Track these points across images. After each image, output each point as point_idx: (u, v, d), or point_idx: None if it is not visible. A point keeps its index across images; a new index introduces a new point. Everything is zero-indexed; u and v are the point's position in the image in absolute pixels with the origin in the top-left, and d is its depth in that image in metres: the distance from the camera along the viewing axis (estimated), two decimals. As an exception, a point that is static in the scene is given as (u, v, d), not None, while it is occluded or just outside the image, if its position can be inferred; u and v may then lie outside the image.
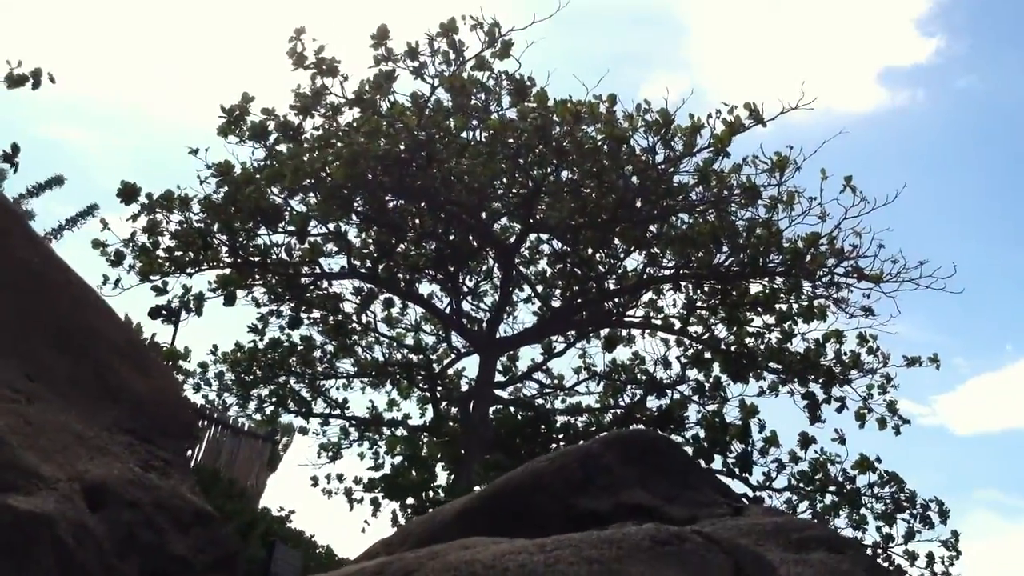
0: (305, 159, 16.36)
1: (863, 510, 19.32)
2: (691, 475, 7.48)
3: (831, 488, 19.36)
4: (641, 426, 19.87)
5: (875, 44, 54.36)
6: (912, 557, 19.22)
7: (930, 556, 19.23)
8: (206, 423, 19.36)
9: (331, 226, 17.97)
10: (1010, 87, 56.04)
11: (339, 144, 16.41)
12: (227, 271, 17.72)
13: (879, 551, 19.18)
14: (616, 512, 6.61)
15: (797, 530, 6.40)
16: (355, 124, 16.74)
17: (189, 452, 18.29)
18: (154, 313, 17.52)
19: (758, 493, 19.33)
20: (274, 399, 20.57)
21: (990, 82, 56.05)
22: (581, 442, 9.33)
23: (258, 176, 16.69)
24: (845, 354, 18.72)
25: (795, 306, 18.62)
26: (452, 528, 6.48)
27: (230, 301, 17.84)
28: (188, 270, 17.28)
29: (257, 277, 18.38)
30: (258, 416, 20.66)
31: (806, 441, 19.25)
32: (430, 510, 10.50)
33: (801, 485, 19.48)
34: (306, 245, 17.83)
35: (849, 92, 51.45)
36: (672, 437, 19.75)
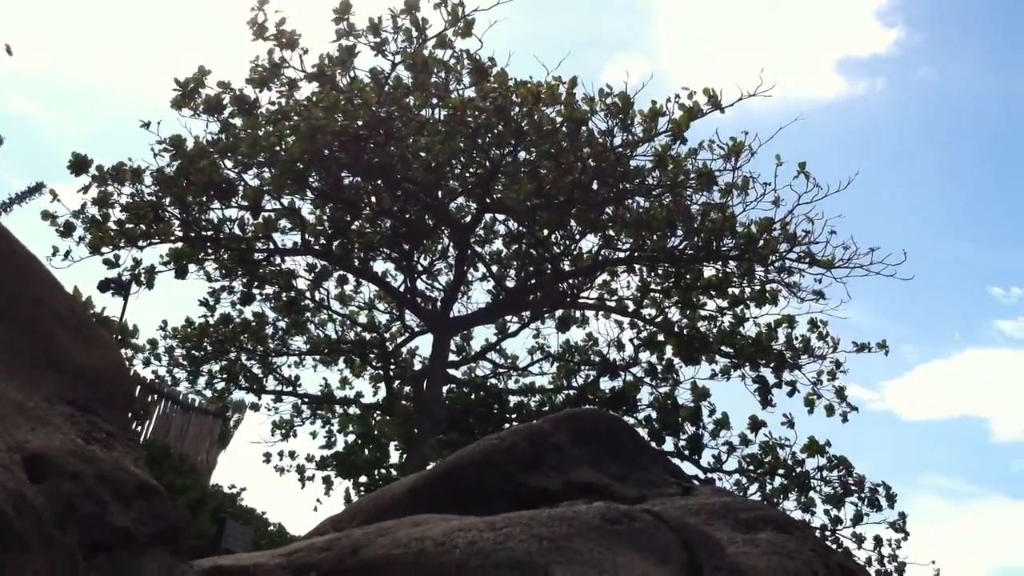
0: (260, 133, 16.18)
1: (812, 493, 19.53)
2: (641, 455, 7.51)
3: (780, 471, 19.54)
4: (593, 407, 19.97)
5: (835, 33, 54.80)
6: (860, 539, 19.50)
7: (878, 539, 19.52)
8: (156, 398, 19.19)
9: (285, 202, 17.80)
10: (966, 79, 56.76)
11: (296, 118, 16.25)
12: (179, 245, 17.52)
13: (827, 533, 19.42)
14: (566, 491, 6.62)
15: (745, 510, 6.46)
16: (313, 99, 16.57)
17: (138, 427, 18.18)
18: (104, 286, 17.29)
19: (709, 475, 19.48)
20: (225, 375, 20.37)
21: (947, 74, 56.75)
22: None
23: (212, 150, 16.49)
24: (796, 339, 18.89)
25: (748, 290, 18.73)
26: (402, 505, 6.46)
27: (181, 275, 17.67)
28: (139, 243, 17.06)
29: (209, 251, 18.19)
30: (208, 392, 20.50)
31: (756, 424, 19.41)
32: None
33: (751, 468, 19.65)
34: (260, 220, 17.66)
35: (808, 80, 51.85)
36: (625, 418, 19.85)
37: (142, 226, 16.91)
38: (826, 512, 19.43)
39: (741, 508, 6.48)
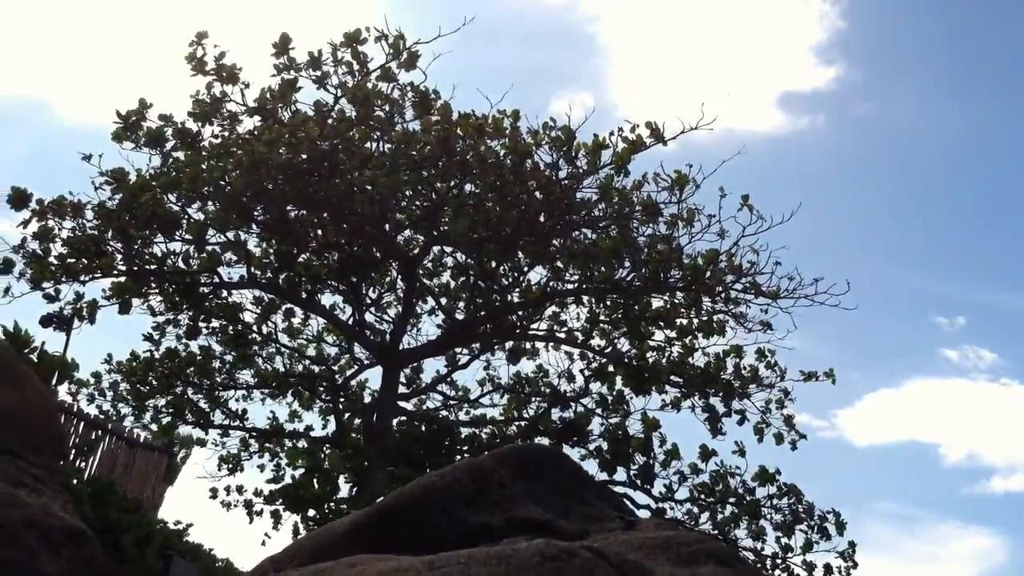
0: (204, 167, 16.08)
1: (763, 521, 19.63)
2: (585, 490, 7.49)
3: (731, 500, 19.61)
4: (544, 439, 19.95)
5: (775, 69, 55.59)
6: (810, 568, 19.60)
7: (827, 567, 19.62)
8: (100, 434, 18.87)
9: (230, 235, 17.66)
10: (905, 115, 57.78)
11: (239, 152, 16.17)
12: (122, 279, 17.31)
13: (778, 562, 19.51)
14: (508, 527, 6.58)
15: (687, 544, 6.44)
16: (256, 132, 16.50)
17: (82, 464, 17.87)
18: (45, 321, 17.05)
19: (660, 505, 19.53)
20: (171, 410, 20.12)
21: (886, 109, 57.71)
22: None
23: (154, 183, 16.35)
24: (744, 368, 19.02)
25: (695, 321, 18.87)
26: (342, 544, 6.37)
27: (125, 309, 17.44)
28: (81, 277, 16.85)
29: (153, 285, 18.00)
30: (154, 427, 20.19)
31: (707, 454, 19.49)
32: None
33: (702, 497, 19.71)
34: (204, 254, 17.51)
35: (750, 115, 52.48)
36: (575, 449, 19.88)
37: (84, 260, 16.70)
38: (777, 540, 19.53)
39: (683, 542, 6.47)
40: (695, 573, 6.04)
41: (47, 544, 4.30)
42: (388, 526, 6.67)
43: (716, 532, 19.07)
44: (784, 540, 19.55)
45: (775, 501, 19.65)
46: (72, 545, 4.40)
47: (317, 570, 5.20)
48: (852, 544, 19.64)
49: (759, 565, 18.38)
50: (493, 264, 18.57)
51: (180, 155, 16.80)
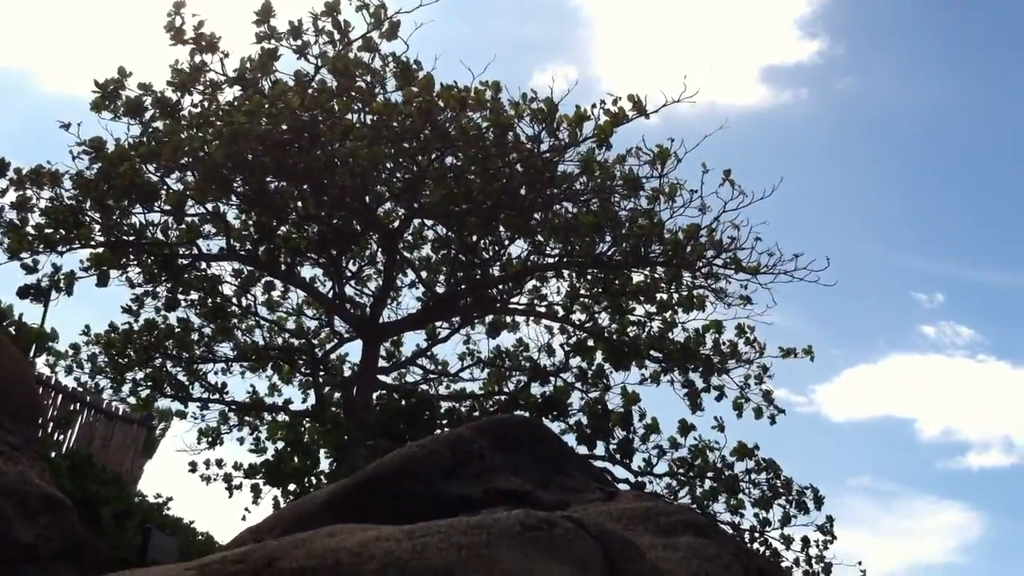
0: (183, 137, 15.94)
1: (741, 496, 19.75)
2: (565, 461, 7.50)
3: (710, 474, 19.72)
4: (524, 412, 19.98)
5: (758, 43, 55.45)
6: (788, 541, 19.76)
7: (805, 540, 19.78)
8: (78, 407, 18.78)
9: (210, 206, 17.54)
10: (887, 89, 57.80)
11: (218, 123, 16.03)
12: (100, 250, 17.18)
13: (756, 535, 19.65)
14: (487, 498, 6.58)
15: (666, 515, 6.47)
16: (235, 103, 16.36)
17: (60, 437, 17.78)
18: (23, 292, 16.92)
19: (640, 479, 19.62)
20: (150, 383, 20.02)
21: (869, 83, 57.70)
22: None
23: (133, 153, 16.20)
24: (724, 344, 19.08)
25: (676, 296, 18.89)
26: (321, 515, 6.37)
27: (103, 281, 17.35)
28: (59, 248, 16.71)
29: (132, 257, 17.87)
30: (133, 400, 20.09)
31: (686, 428, 19.59)
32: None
33: (681, 471, 19.81)
34: (183, 225, 17.39)
35: (733, 89, 52.40)
36: (555, 423, 19.92)
37: (62, 231, 16.56)
38: (755, 515, 19.67)
39: (662, 512, 6.50)
40: (674, 543, 6.06)
41: (23, 512, 4.27)
42: (367, 497, 6.66)
43: (695, 506, 19.16)
44: (762, 514, 19.70)
45: (753, 476, 19.78)
46: (49, 513, 4.37)
47: (296, 540, 5.17)
48: (830, 518, 19.83)
49: (738, 539, 18.48)
50: (474, 238, 18.52)
51: (159, 125, 16.64)
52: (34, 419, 5.22)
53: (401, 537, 5.15)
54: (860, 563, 19.51)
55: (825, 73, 58.73)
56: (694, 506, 19.07)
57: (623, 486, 18.17)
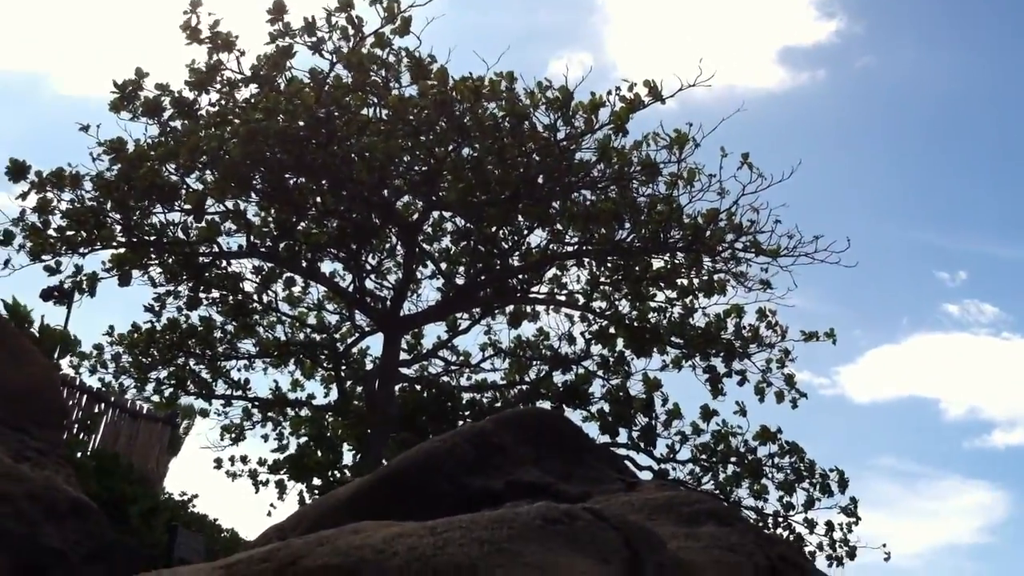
0: (201, 136, 16.02)
1: (764, 480, 19.74)
2: (586, 453, 7.52)
3: (733, 459, 19.71)
4: (546, 402, 20.03)
5: (776, 24, 55.10)
6: (812, 525, 19.75)
7: (829, 524, 19.77)
8: (103, 407, 18.92)
9: (229, 204, 17.64)
10: (906, 67, 57.35)
11: (236, 121, 16.11)
12: (121, 250, 17.31)
13: (779, 520, 19.65)
14: (510, 491, 6.61)
15: (688, 504, 6.48)
16: (252, 101, 16.43)
17: (85, 437, 17.92)
18: (46, 294, 17.08)
19: (662, 466, 19.64)
20: (173, 381, 20.19)
21: (887, 62, 57.30)
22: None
23: (152, 153, 16.30)
24: (745, 328, 19.03)
25: (696, 281, 18.86)
26: (344, 511, 6.41)
27: (125, 281, 17.50)
28: (81, 249, 16.87)
29: (153, 256, 18.01)
30: (157, 399, 20.26)
31: (708, 414, 19.59)
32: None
33: (704, 457, 19.81)
34: (203, 224, 17.49)
35: (751, 72, 52.08)
36: (577, 412, 19.96)
37: (83, 232, 16.69)
38: (779, 499, 19.65)
39: (684, 502, 6.50)
40: (695, 533, 6.08)
41: (51, 517, 4.33)
42: (391, 492, 6.70)
43: (718, 492, 19.19)
44: (786, 498, 19.69)
45: (776, 460, 19.76)
46: (76, 517, 4.42)
47: (321, 537, 5.22)
48: (854, 500, 19.79)
49: (760, 524, 18.49)
50: (493, 228, 18.54)
51: (177, 124, 16.73)
52: (60, 424, 5.29)
53: (424, 533, 5.19)
54: (884, 545, 19.52)
55: (843, 53, 58.31)
56: (717, 492, 19.10)
57: (646, 473, 18.26)
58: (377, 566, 4.92)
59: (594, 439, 8.68)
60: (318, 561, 4.99)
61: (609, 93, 16.45)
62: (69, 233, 16.70)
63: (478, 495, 6.46)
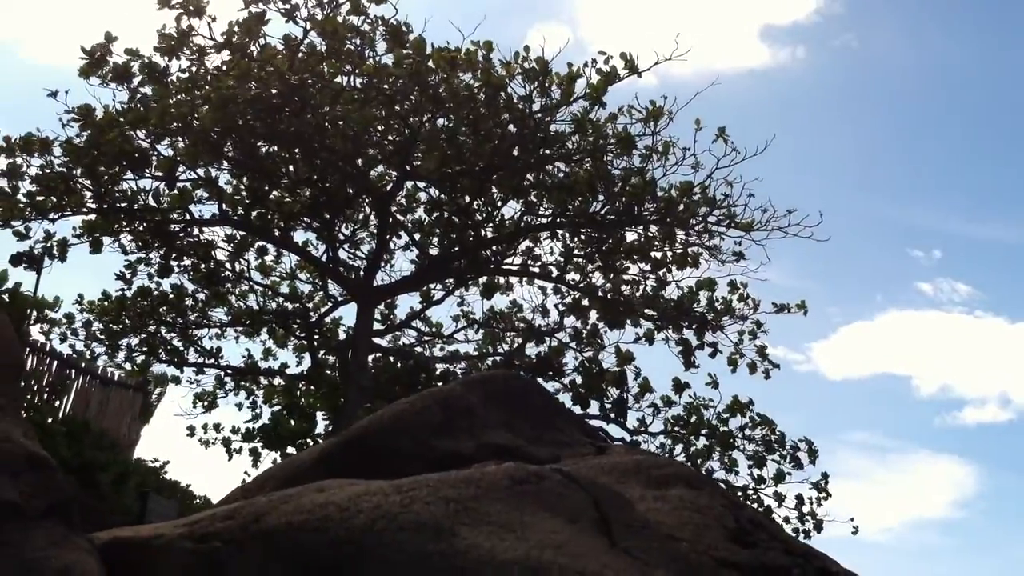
0: (172, 102, 15.84)
1: (735, 453, 19.82)
2: (556, 416, 7.52)
3: (704, 431, 19.79)
4: (519, 373, 20.02)
5: (757, 2, 55.09)
6: (781, 498, 19.86)
7: (799, 497, 19.89)
8: (73, 373, 18.81)
9: (201, 172, 17.47)
10: (885, 45, 57.53)
11: (207, 88, 15.93)
12: (92, 217, 17.15)
13: (750, 493, 19.75)
14: (479, 453, 6.61)
15: (657, 467, 6.50)
16: (224, 67, 16.24)
17: (56, 402, 17.83)
18: (15, 260, 16.97)
19: (634, 438, 19.68)
20: (144, 348, 20.07)
21: (866, 40, 57.44)
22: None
23: (122, 119, 16.11)
24: (717, 301, 19.05)
25: (669, 254, 18.84)
26: (312, 472, 6.38)
27: (96, 248, 17.37)
28: (51, 215, 16.70)
29: (124, 223, 17.84)
30: (128, 366, 20.16)
31: (679, 386, 19.63)
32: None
33: (675, 429, 19.87)
34: (175, 191, 17.33)
35: (733, 49, 52.07)
36: (550, 383, 19.96)
37: (53, 198, 16.52)
38: (749, 472, 19.76)
39: (653, 465, 6.52)
40: (664, 495, 6.09)
41: (5, 470, 4.26)
42: (358, 453, 6.68)
43: (689, 464, 19.25)
44: (756, 471, 19.79)
45: (747, 431, 19.85)
46: (32, 471, 4.36)
47: (285, 495, 5.19)
48: (825, 475, 19.92)
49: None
50: (467, 199, 18.46)
51: (147, 90, 16.52)
52: (17, 376, 5.21)
53: (390, 491, 5.17)
54: (852, 520, 19.67)
55: (824, 30, 58.40)
56: (689, 464, 19.17)
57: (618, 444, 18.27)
58: (342, 524, 4.90)
59: (564, 403, 8.68)
60: (282, 519, 4.96)
61: (585, 65, 16.39)
62: (39, 199, 16.52)
63: (447, 457, 6.44)
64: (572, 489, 5.71)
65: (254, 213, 18.20)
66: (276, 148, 17.30)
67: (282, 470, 6.91)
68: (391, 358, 20.88)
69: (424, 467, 6.14)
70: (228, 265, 19.88)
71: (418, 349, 21.45)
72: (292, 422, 20.92)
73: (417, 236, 19.97)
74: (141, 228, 18.13)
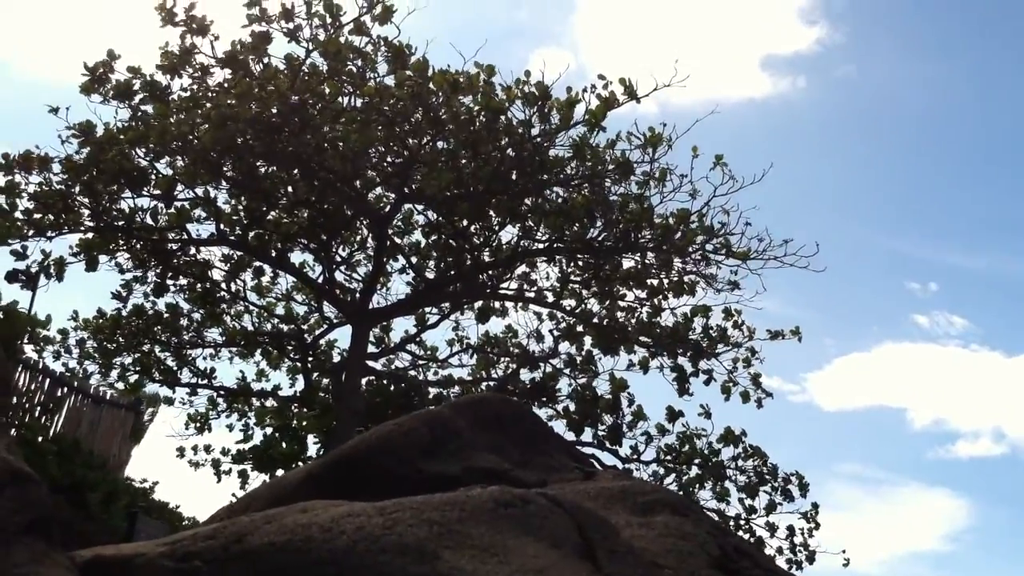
0: (172, 120, 15.89)
1: (727, 483, 19.77)
2: (544, 441, 7.49)
3: (696, 461, 19.74)
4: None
5: (759, 32, 55.46)
6: (773, 528, 19.79)
7: (790, 528, 19.82)
8: (66, 391, 18.72)
9: (199, 191, 17.49)
10: (885, 76, 57.87)
11: (208, 106, 15.98)
12: (89, 235, 17.16)
13: (741, 523, 19.67)
14: (466, 476, 6.57)
15: (643, 494, 6.46)
16: (225, 86, 16.29)
17: (47, 421, 17.74)
18: (11, 277, 16.93)
19: (627, 465, 19.61)
20: (138, 368, 20.03)
21: (867, 71, 57.76)
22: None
23: (122, 137, 16.15)
24: (712, 328, 19.05)
25: (666, 281, 18.85)
26: (298, 492, 6.34)
27: (92, 266, 17.37)
28: (48, 233, 16.69)
29: (121, 242, 17.86)
30: (121, 385, 20.09)
31: (673, 415, 19.58)
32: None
33: (668, 458, 19.82)
34: (173, 210, 17.35)
35: (734, 78, 52.39)
36: (544, 410, 19.92)
37: (51, 216, 16.52)
38: (740, 501, 19.69)
39: (639, 492, 6.49)
40: (650, 522, 6.05)
41: (-12, 485, 4.23)
42: (345, 475, 6.65)
43: (681, 493, 19.18)
44: (748, 501, 19.73)
45: (740, 462, 19.79)
46: (14, 486, 4.33)
47: (268, 516, 5.16)
48: (815, 506, 19.88)
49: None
50: (464, 222, 18.48)
51: (149, 108, 16.57)
52: (5, 392, 5.20)
53: (373, 513, 5.14)
54: (844, 551, 19.61)
55: (825, 61, 58.72)
56: (681, 493, 19.09)
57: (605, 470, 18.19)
58: (324, 544, 4.87)
59: (552, 428, 8.66)
60: (264, 539, 4.93)
61: (585, 90, 16.46)
62: (36, 216, 16.52)
63: (434, 479, 6.41)
64: (557, 513, 5.67)
65: (251, 233, 18.22)
66: (275, 168, 17.34)
67: (269, 490, 6.87)
68: (384, 381, 20.83)
69: (411, 489, 6.10)
70: (224, 285, 19.88)
71: (412, 373, 21.41)
72: (284, 444, 20.84)
73: (414, 259, 19.98)
74: (138, 247, 18.15)
